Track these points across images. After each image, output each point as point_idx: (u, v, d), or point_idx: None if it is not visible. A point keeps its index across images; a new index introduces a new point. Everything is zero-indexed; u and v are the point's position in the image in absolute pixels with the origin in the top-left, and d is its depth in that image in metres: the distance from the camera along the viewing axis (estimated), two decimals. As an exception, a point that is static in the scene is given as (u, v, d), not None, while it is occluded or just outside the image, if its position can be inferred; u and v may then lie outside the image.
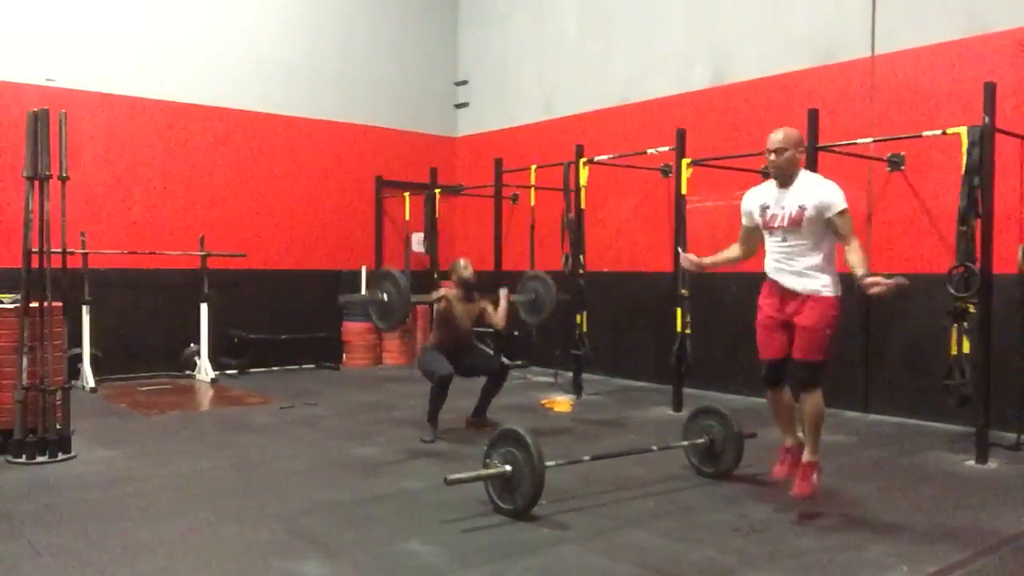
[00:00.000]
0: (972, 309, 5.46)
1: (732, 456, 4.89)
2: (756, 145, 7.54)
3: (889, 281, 3.80)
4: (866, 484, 4.87)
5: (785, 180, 4.13)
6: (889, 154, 6.97)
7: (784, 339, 4.19)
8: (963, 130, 5.49)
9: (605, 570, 3.52)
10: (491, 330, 9.35)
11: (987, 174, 5.41)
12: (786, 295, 4.17)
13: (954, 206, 5.55)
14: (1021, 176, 6.07)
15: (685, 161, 7.16)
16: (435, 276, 10.27)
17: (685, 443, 5.05)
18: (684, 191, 7.18)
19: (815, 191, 4.06)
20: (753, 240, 4.40)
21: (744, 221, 4.40)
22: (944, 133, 5.71)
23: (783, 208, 4.11)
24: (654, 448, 5.19)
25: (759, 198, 4.30)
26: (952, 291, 5.46)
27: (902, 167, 6.98)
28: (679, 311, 7.08)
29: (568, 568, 3.54)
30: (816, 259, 4.10)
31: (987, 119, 5.37)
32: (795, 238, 4.09)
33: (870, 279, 3.86)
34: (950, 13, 6.80)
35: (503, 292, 6.53)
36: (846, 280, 4.20)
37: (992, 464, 5.34)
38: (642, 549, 3.77)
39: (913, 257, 6.90)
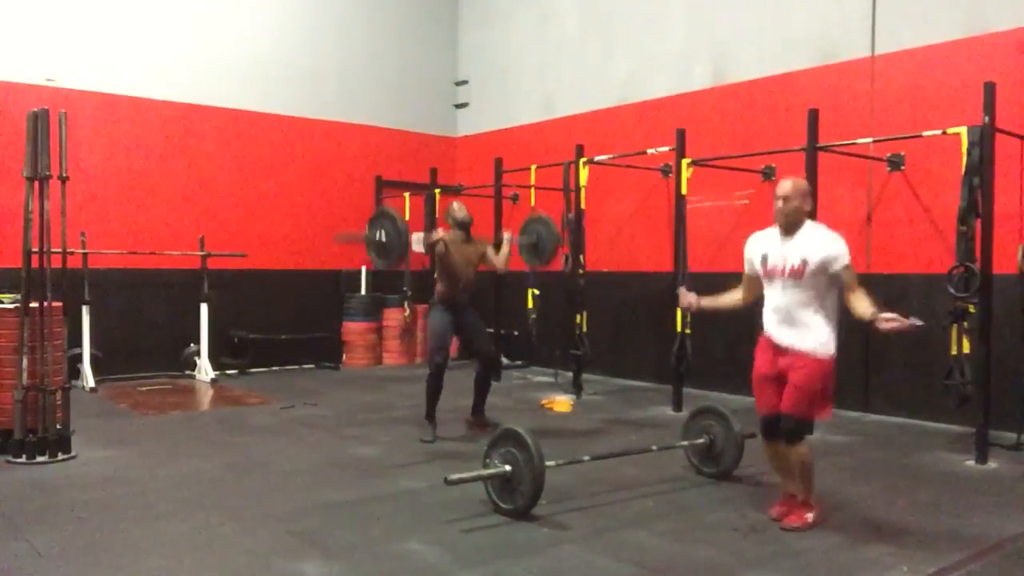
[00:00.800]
0: (972, 309, 5.46)
1: (732, 456, 4.89)
2: (756, 145, 7.58)
3: (906, 321, 3.77)
4: (866, 484, 4.87)
5: (790, 229, 4.09)
6: (889, 154, 6.97)
7: (777, 394, 4.12)
8: (963, 130, 5.49)
9: (605, 570, 3.52)
10: (491, 330, 9.38)
11: (987, 174, 5.41)
12: (780, 352, 4.12)
13: (954, 206, 5.55)
14: (1021, 176, 6.06)
15: (685, 161, 7.16)
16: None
17: (685, 443, 5.05)
18: (684, 191, 7.18)
19: (819, 244, 4.00)
20: (755, 287, 4.34)
21: (746, 268, 4.32)
22: (944, 133, 5.71)
23: (784, 259, 4.05)
24: (654, 448, 5.19)
25: (761, 247, 4.22)
26: (952, 291, 5.46)
27: (902, 167, 6.98)
28: (679, 311, 7.08)
29: (568, 568, 3.54)
30: (815, 314, 4.03)
31: (987, 119, 5.37)
32: (796, 290, 4.03)
33: (885, 315, 3.82)
34: (950, 13, 6.80)
35: (506, 236, 6.48)
36: (866, 283, 4.14)
37: (992, 464, 5.34)
38: (642, 549, 3.77)
39: (913, 257, 6.90)
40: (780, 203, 4.07)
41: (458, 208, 6.32)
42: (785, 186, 4.10)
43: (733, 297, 4.46)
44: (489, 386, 6.47)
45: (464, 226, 6.28)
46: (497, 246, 6.42)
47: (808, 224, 4.11)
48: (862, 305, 3.91)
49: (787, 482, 4.26)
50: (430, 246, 6.10)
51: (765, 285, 4.20)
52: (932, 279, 6.16)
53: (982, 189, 5.41)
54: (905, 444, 6.03)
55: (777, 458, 4.25)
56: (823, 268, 3.95)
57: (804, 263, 3.98)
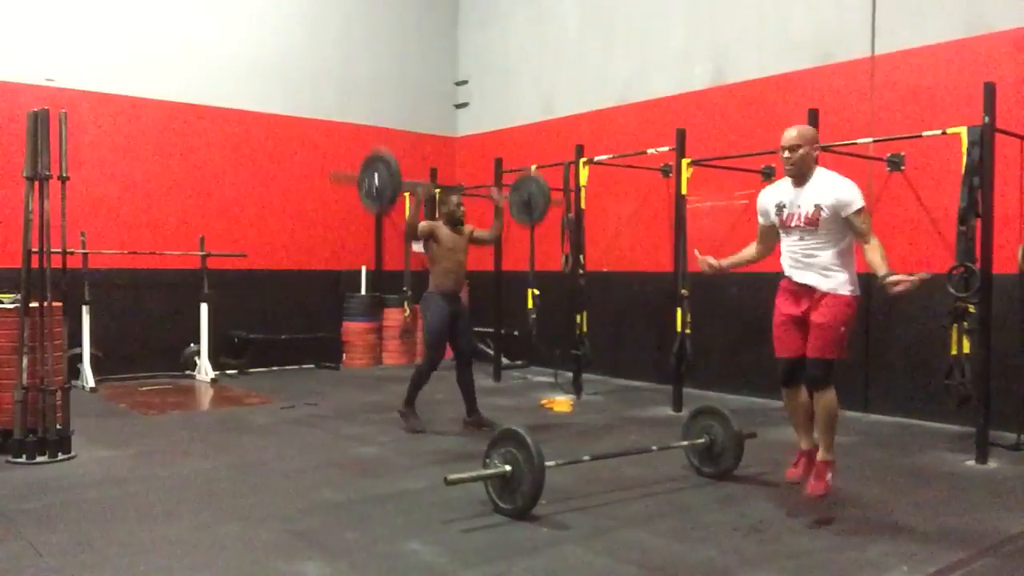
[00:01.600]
0: (972, 309, 5.46)
1: (732, 456, 4.89)
2: (756, 145, 7.58)
3: (912, 277, 3.78)
4: (866, 484, 4.87)
5: (800, 178, 4.08)
6: (889, 154, 6.97)
7: (801, 337, 4.13)
8: (963, 130, 5.49)
9: (605, 570, 3.52)
10: (491, 330, 9.40)
11: (987, 174, 5.41)
12: (802, 292, 4.13)
13: (954, 206, 5.55)
14: (1021, 176, 6.06)
15: (685, 161, 7.16)
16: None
17: (685, 443, 5.05)
18: (684, 191, 7.18)
19: (832, 189, 4.01)
20: (770, 238, 4.36)
21: (760, 220, 4.36)
22: (944, 133, 5.71)
23: (799, 207, 4.07)
24: (654, 448, 5.18)
25: (775, 197, 4.26)
26: (952, 291, 5.46)
27: (902, 167, 6.98)
28: (679, 311, 7.08)
29: (568, 568, 3.54)
30: (833, 258, 4.06)
31: (987, 119, 5.37)
32: (812, 237, 4.05)
33: (892, 278, 3.83)
34: (950, 13, 6.80)
35: (493, 191, 6.50)
36: (864, 280, 4.19)
37: (992, 464, 5.34)
38: (642, 549, 3.77)
39: (913, 257, 6.90)
40: (787, 153, 4.07)
41: (457, 204, 6.37)
42: (790, 134, 4.08)
43: (750, 252, 4.49)
44: (474, 383, 6.48)
45: (455, 221, 6.35)
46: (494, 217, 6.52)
47: (819, 170, 4.11)
48: (875, 259, 3.92)
49: (804, 437, 4.24)
50: (417, 227, 6.07)
51: (782, 234, 4.22)
52: (932, 279, 6.14)
53: (982, 189, 5.41)
54: (905, 444, 6.03)
55: (797, 407, 4.23)
56: (836, 213, 3.96)
57: (818, 209, 3.99)
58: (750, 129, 8.05)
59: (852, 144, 6.49)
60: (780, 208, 4.19)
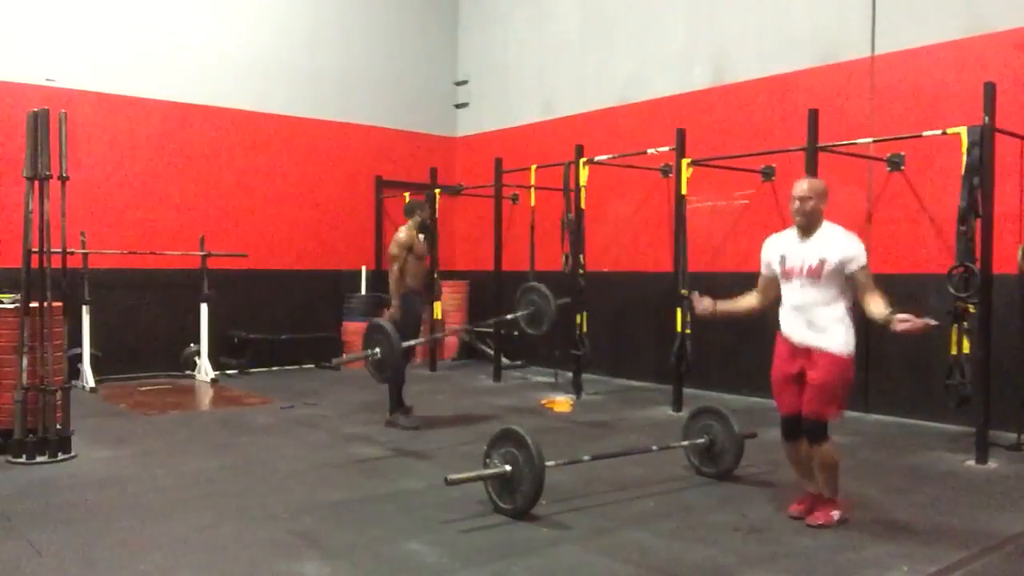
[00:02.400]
0: (972, 309, 5.46)
1: (732, 456, 4.89)
2: (756, 145, 7.58)
3: (919, 321, 3.78)
4: (866, 484, 4.87)
5: (807, 229, 4.10)
6: (889, 154, 6.97)
7: (799, 394, 4.12)
8: (963, 130, 5.49)
9: (605, 570, 3.52)
10: (491, 330, 9.39)
11: (987, 174, 5.41)
12: (798, 353, 4.11)
13: (954, 206, 5.55)
14: (1021, 176, 6.06)
15: (685, 161, 7.16)
16: (435, 276, 10.25)
17: (685, 443, 5.05)
18: (684, 191, 7.17)
19: (837, 244, 4.01)
20: (771, 290, 4.33)
21: (764, 271, 4.33)
22: (944, 133, 5.71)
23: (803, 259, 4.07)
24: (654, 448, 5.18)
25: (779, 247, 4.23)
26: (952, 291, 5.46)
27: (902, 167, 6.97)
28: (679, 311, 7.08)
29: (568, 568, 3.54)
30: (833, 313, 4.03)
31: (987, 119, 5.37)
32: (814, 289, 4.03)
33: (900, 316, 3.83)
34: (950, 13, 6.80)
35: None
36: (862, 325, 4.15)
37: (992, 464, 5.34)
38: (642, 549, 3.77)
39: (913, 257, 6.90)
40: (797, 203, 4.07)
41: (431, 215, 6.98)
42: (802, 187, 4.10)
43: (749, 301, 4.43)
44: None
45: (424, 228, 6.83)
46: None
47: (826, 224, 4.12)
48: (877, 307, 3.92)
49: (807, 483, 4.25)
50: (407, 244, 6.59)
51: (783, 285, 4.20)
52: (932, 279, 6.15)
53: (982, 189, 5.41)
54: (905, 444, 6.03)
55: (798, 459, 4.24)
56: (840, 268, 3.97)
57: (822, 263, 3.99)
58: (750, 129, 8.05)
59: (852, 144, 6.49)
60: (783, 259, 4.16)
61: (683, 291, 7.07)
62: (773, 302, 4.31)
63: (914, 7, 7.03)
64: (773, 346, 4.26)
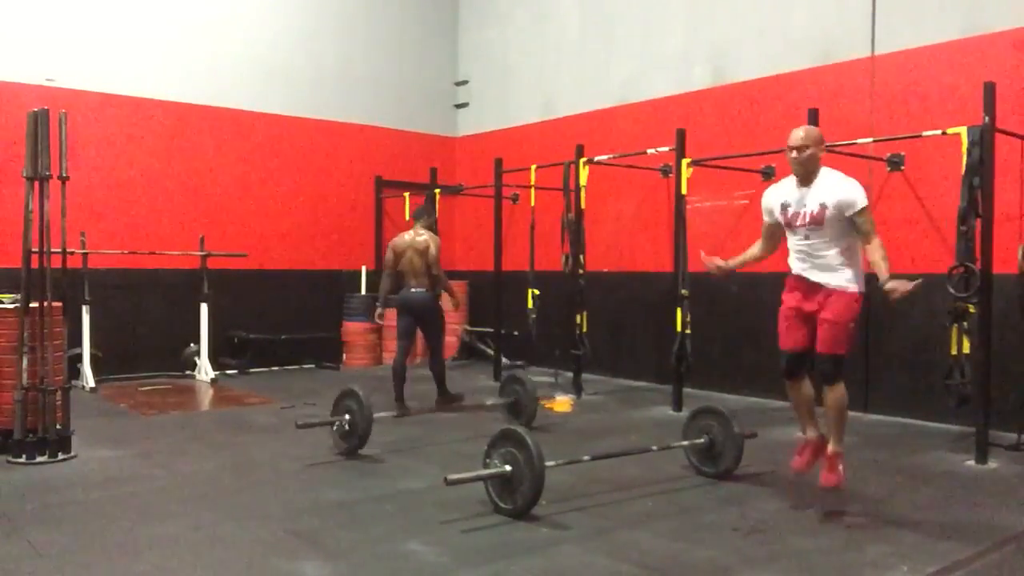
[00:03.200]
0: (972, 309, 5.46)
1: (732, 456, 4.89)
2: (756, 145, 7.58)
3: (908, 284, 3.81)
4: (866, 484, 4.87)
5: (806, 178, 4.13)
6: (889, 154, 6.97)
7: (805, 331, 4.19)
8: (963, 130, 5.49)
9: (605, 570, 3.52)
10: (491, 330, 9.40)
11: (987, 174, 5.41)
12: (810, 289, 4.18)
13: (954, 206, 5.55)
14: (1021, 176, 6.06)
15: (685, 161, 7.16)
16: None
17: (685, 443, 5.05)
18: (684, 191, 7.17)
19: (836, 189, 4.06)
20: (775, 236, 4.41)
21: (766, 218, 4.41)
22: (944, 133, 5.71)
23: (804, 206, 4.12)
24: (654, 448, 5.18)
25: (780, 196, 4.30)
26: (952, 291, 5.46)
27: (902, 167, 6.97)
28: (679, 311, 7.08)
29: (568, 568, 3.54)
30: (840, 255, 4.11)
31: (987, 119, 5.37)
32: (818, 236, 4.11)
33: (890, 284, 3.86)
34: (949, 13, 6.80)
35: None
36: (865, 280, 4.21)
37: (992, 464, 5.34)
38: (642, 549, 3.77)
39: (913, 257, 6.90)
40: (794, 153, 4.11)
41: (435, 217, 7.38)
42: (797, 135, 4.12)
43: (755, 250, 4.52)
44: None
45: (433, 229, 7.30)
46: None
47: (824, 170, 4.15)
48: (876, 259, 3.96)
49: (809, 427, 4.27)
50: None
51: (788, 233, 4.27)
52: (932, 279, 6.15)
53: (982, 189, 5.41)
54: (905, 444, 6.03)
55: (800, 399, 4.27)
56: (840, 212, 4.00)
57: (823, 208, 4.02)
58: (750, 129, 8.05)
59: (852, 144, 6.49)
60: (785, 207, 4.23)
61: (683, 291, 7.08)
62: (777, 247, 4.39)
63: (914, 7, 7.03)
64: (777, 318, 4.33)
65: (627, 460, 5.13)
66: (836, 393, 4.14)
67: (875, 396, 7.13)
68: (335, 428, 5.51)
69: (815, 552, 3.74)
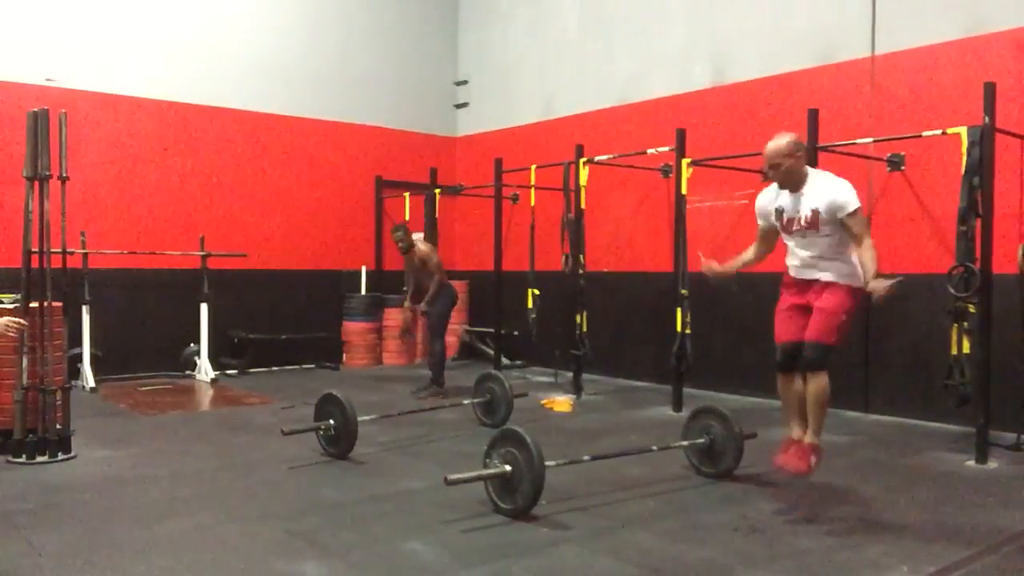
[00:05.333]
0: (972, 309, 5.46)
1: (732, 456, 4.88)
2: (756, 145, 7.53)
3: (886, 283, 3.81)
4: (866, 484, 4.87)
5: (795, 186, 4.11)
6: (889, 154, 6.97)
7: (802, 323, 4.18)
8: (963, 130, 5.49)
9: (605, 570, 3.52)
10: (491, 330, 9.40)
11: (987, 174, 5.41)
12: (807, 285, 4.20)
13: (954, 206, 5.55)
14: (1021, 176, 6.06)
15: (685, 161, 7.16)
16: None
17: (685, 443, 5.05)
18: (684, 191, 7.18)
19: (827, 192, 4.04)
20: (771, 238, 4.40)
21: (760, 223, 4.40)
22: (944, 133, 5.71)
23: (799, 211, 4.11)
24: (654, 448, 5.18)
25: (774, 200, 4.28)
26: (952, 291, 5.46)
27: (902, 167, 6.98)
28: (679, 311, 7.08)
29: (568, 568, 3.54)
30: (837, 254, 4.12)
31: (987, 119, 5.37)
32: (815, 237, 4.11)
33: (872, 284, 3.86)
34: (950, 13, 6.80)
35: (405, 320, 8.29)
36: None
37: (992, 464, 5.34)
38: (642, 549, 3.77)
39: (913, 257, 6.90)
40: (771, 172, 4.10)
41: (398, 240, 8.00)
42: (768, 153, 4.10)
43: (751, 253, 4.51)
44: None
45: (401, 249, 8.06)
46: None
47: (812, 173, 4.13)
48: (864, 259, 3.96)
49: (796, 426, 4.26)
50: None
51: (785, 237, 4.26)
52: (932, 279, 6.15)
53: (982, 189, 5.41)
54: (905, 444, 6.03)
55: (790, 394, 4.26)
56: (833, 215, 3.99)
57: (816, 213, 4.01)
58: (750, 129, 8.05)
59: (852, 144, 6.49)
60: (780, 212, 4.24)
61: (683, 291, 7.08)
62: (773, 249, 4.39)
63: (914, 7, 7.03)
64: (773, 327, 4.32)
65: (627, 460, 5.13)
66: (819, 383, 4.12)
67: (875, 396, 7.13)
68: (320, 433, 5.50)
69: (815, 552, 3.73)
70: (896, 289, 3.84)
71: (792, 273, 4.27)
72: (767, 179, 7.55)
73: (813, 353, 4.10)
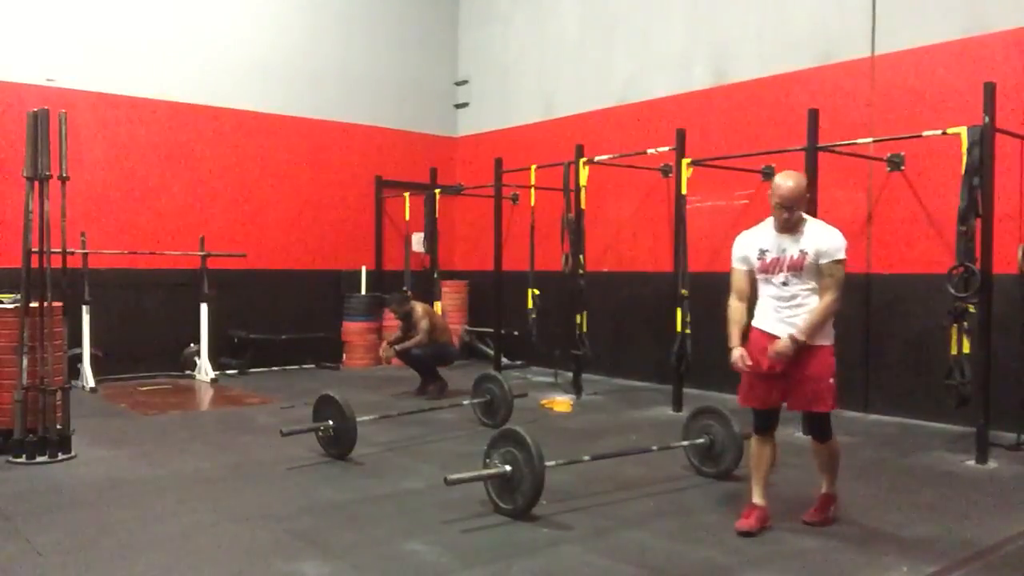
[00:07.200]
0: (972, 309, 5.46)
1: (732, 456, 4.89)
2: (756, 145, 7.58)
3: (791, 350, 3.86)
4: (866, 484, 4.87)
5: (793, 228, 3.99)
6: (889, 154, 6.97)
7: (779, 389, 4.04)
8: (963, 130, 5.49)
9: (605, 570, 3.53)
10: (491, 330, 9.40)
11: (987, 174, 5.41)
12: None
13: (954, 206, 5.55)
14: (1021, 176, 6.06)
15: (685, 161, 7.16)
16: (435, 276, 10.27)
17: (685, 443, 5.05)
18: (684, 191, 7.17)
19: (820, 236, 3.92)
20: (752, 284, 4.21)
21: (739, 266, 4.15)
22: (944, 133, 5.71)
23: (784, 251, 3.98)
24: (654, 448, 5.19)
25: (755, 242, 4.11)
26: (952, 291, 5.46)
27: (902, 167, 6.97)
28: (679, 311, 7.08)
29: (568, 568, 3.54)
30: (808, 303, 3.97)
31: (987, 119, 5.37)
32: (797, 282, 3.93)
33: (783, 342, 3.87)
34: (950, 13, 6.80)
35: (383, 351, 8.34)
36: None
37: (992, 464, 5.34)
38: (642, 549, 3.77)
39: (913, 257, 6.90)
40: (785, 213, 3.94)
41: (394, 311, 8.30)
42: (787, 193, 3.89)
43: (742, 312, 4.15)
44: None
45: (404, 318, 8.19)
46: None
47: (809, 220, 4.07)
48: (816, 310, 3.89)
49: (760, 491, 4.13)
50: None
51: (761, 280, 4.10)
52: (932, 279, 6.15)
53: (982, 189, 5.41)
54: (905, 444, 6.03)
55: (764, 456, 4.13)
56: (817, 259, 3.93)
57: (803, 255, 3.94)
58: (750, 129, 8.05)
59: (852, 144, 6.49)
60: (763, 252, 4.05)
61: (683, 291, 7.08)
62: (756, 296, 4.26)
63: (914, 7, 7.03)
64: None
65: (627, 460, 5.13)
66: (831, 448, 4.15)
67: (875, 396, 7.13)
68: (319, 434, 5.50)
69: (815, 552, 3.74)
70: (785, 355, 3.88)
71: (763, 325, 4.06)
72: (766, 176, 7.48)
73: (819, 425, 4.11)
